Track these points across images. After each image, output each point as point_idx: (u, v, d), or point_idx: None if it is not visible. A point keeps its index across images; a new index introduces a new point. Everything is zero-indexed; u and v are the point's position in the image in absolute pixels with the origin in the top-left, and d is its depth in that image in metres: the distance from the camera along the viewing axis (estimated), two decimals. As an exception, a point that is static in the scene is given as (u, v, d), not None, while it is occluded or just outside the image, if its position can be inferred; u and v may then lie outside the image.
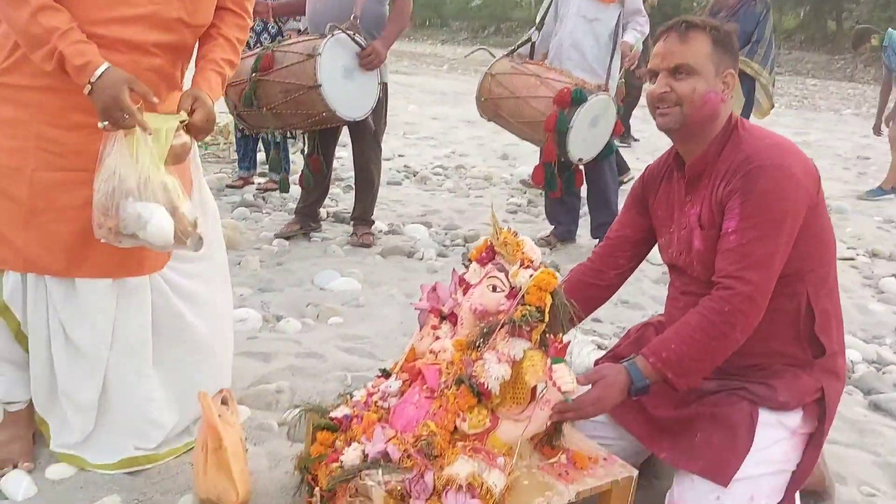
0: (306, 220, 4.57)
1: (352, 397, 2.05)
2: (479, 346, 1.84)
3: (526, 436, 1.83)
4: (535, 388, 1.85)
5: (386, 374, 2.07)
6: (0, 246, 1.88)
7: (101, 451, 2.06)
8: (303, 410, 2.06)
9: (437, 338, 1.97)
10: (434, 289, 2.04)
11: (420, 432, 1.77)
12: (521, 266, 1.86)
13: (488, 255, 1.94)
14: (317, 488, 1.74)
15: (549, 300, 1.81)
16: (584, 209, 4.87)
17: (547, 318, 1.82)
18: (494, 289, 1.86)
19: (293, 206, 5.01)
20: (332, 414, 1.98)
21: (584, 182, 4.52)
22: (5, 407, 2.13)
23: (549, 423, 1.86)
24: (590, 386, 1.88)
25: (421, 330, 2.04)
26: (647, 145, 8.74)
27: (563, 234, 4.72)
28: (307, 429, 2.04)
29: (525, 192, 6.17)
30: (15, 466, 2.03)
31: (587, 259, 2.22)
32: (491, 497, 1.68)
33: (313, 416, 2.02)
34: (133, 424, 2.07)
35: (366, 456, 1.77)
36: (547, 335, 1.81)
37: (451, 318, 1.99)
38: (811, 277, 1.88)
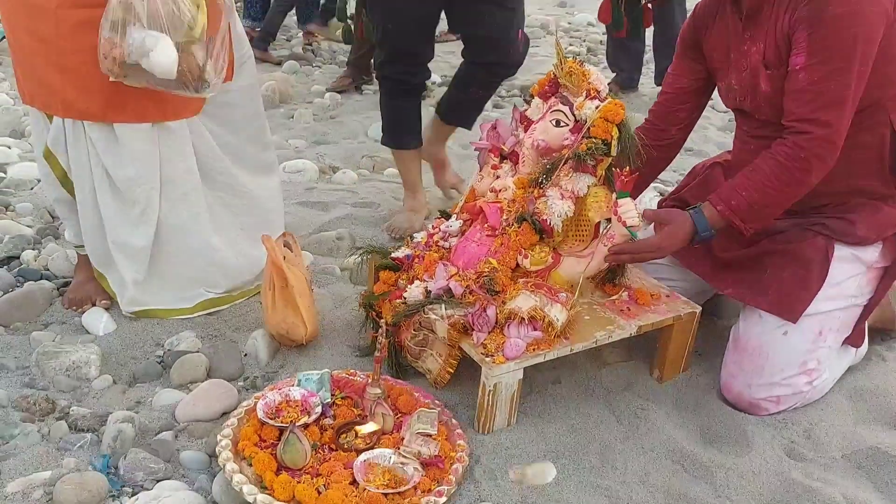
0: (358, 72, 4.46)
1: (412, 239, 2.06)
2: (541, 183, 1.80)
3: (588, 273, 1.82)
4: (598, 225, 1.82)
5: (446, 216, 2.06)
6: (40, 89, 1.88)
7: (176, 299, 2.12)
8: (365, 252, 2.08)
9: (498, 177, 1.93)
10: (494, 127, 1.97)
11: (482, 269, 1.79)
12: (586, 97, 1.77)
13: (551, 88, 1.85)
14: (382, 321, 1.78)
15: (615, 132, 1.73)
16: (647, 56, 4.63)
17: (613, 152, 1.75)
18: (558, 123, 1.78)
19: (343, 58, 4.89)
20: (394, 254, 1.99)
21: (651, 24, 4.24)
22: (78, 250, 2.21)
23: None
24: (652, 224, 1.83)
25: (481, 170, 1.99)
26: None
27: (626, 81, 4.51)
28: (369, 269, 2.07)
29: (584, 41, 5.88)
30: (93, 304, 2.13)
31: (644, 121, 2.09)
32: (553, 330, 1.69)
33: (375, 257, 2.04)
34: (199, 269, 2.12)
35: (428, 292, 1.80)
36: (613, 169, 1.75)
37: (513, 157, 1.94)
38: (895, 104, 1.74)
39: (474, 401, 1.73)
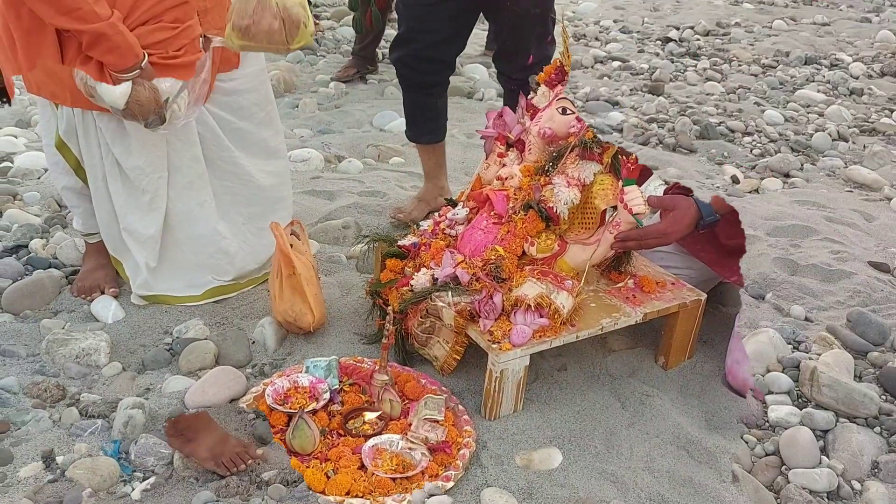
0: (363, 62, 4.45)
1: (419, 227, 2.06)
2: (548, 171, 1.80)
3: (594, 260, 1.83)
4: (604, 213, 1.82)
5: (452, 204, 2.06)
6: (47, 80, 1.89)
7: (184, 286, 2.14)
8: (371, 240, 2.09)
9: (504, 165, 1.93)
10: (501, 115, 1.97)
11: (488, 256, 1.79)
12: None
13: (558, 75, 1.85)
14: (389, 309, 1.79)
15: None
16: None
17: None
18: (564, 111, 1.80)
19: (347, 48, 4.88)
20: (401, 242, 2.00)
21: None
22: (86, 239, 2.22)
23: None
24: (658, 212, 1.84)
25: (487, 158, 2.00)
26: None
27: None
28: (376, 257, 2.08)
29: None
30: (102, 292, 2.15)
31: None
32: (559, 317, 1.70)
33: (382, 245, 2.04)
34: (207, 256, 2.13)
35: (435, 280, 1.81)
36: (619, 156, 1.76)
37: (519, 145, 1.94)
38: None
39: (481, 387, 1.75)
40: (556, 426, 1.74)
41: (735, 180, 3.35)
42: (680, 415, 1.80)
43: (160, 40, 1.74)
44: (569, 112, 1.79)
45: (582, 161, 1.77)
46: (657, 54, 5.26)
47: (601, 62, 5.08)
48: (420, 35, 2.33)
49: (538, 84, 1.92)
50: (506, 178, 1.85)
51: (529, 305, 1.69)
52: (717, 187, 3.27)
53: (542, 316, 1.70)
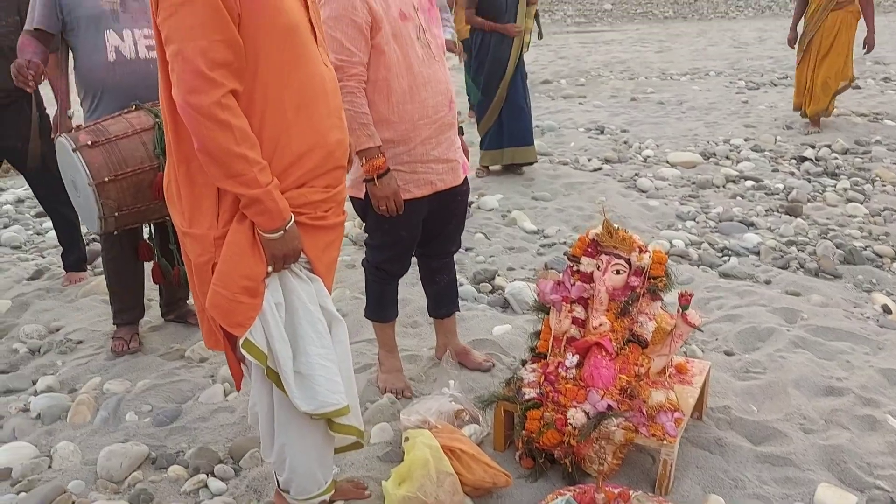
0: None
1: (522, 380, 2.46)
2: (628, 313, 2.44)
3: (665, 361, 2.45)
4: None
5: (540, 356, 2.52)
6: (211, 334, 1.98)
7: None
8: (491, 400, 2.47)
9: (575, 317, 2.47)
10: (559, 283, 2.51)
11: (620, 385, 2.36)
12: (640, 252, 2.47)
13: (593, 248, 2.51)
14: (565, 436, 2.24)
15: (666, 269, 2.44)
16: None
17: (672, 281, 2.48)
18: (618, 272, 2.46)
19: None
20: (528, 396, 2.40)
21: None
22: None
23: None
24: None
25: (560, 314, 2.47)
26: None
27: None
28: (496, 415, 2.45)
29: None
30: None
31: None
32: (677, 407, 2.35)
33: (503, 403, 2.45)
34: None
35: (587, 414, 2.28)
36: (682, 294, 2.39)
37: (580, 301, 2.48)
38: None
39: (633, 480, 2.28)
40: (707, 484, 2.23)
41: (887, 310, 3.14)
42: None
43: (310, 201, 1.79)
44: (621, 272, 2.45)
45: (653, 301, 2.46)
46: (792, 174, 5.12)
47: (733, 181, 4.98)
48: (398, 243, 2.65)
49: (574, 256, 2.51)
50: (598, 326, 2.42)
51: (664, 408, 2.31)
52: (868, 317, 3.09)
53: (673, 411, 2.29)
